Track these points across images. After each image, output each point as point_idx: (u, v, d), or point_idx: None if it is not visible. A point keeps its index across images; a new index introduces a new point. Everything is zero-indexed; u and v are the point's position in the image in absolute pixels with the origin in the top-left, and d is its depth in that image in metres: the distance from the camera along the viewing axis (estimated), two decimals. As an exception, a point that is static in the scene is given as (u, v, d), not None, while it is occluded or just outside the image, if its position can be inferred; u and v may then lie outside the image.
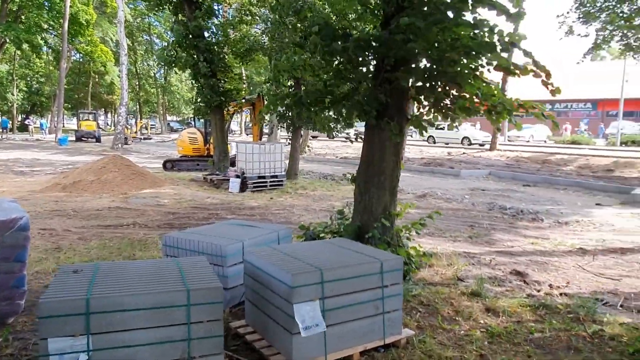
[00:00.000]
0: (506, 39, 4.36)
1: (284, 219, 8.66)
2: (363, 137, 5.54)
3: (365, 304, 3.35)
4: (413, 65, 5.06)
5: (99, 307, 2.41)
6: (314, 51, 5.35)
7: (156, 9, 15.52)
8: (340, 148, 27.23)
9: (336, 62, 5.17)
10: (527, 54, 4.36)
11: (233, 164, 14.56)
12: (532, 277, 5.43)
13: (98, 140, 33.40)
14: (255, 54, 15.97)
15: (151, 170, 14.62)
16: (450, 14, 4.59)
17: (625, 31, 17.69)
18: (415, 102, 5.50)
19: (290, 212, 9.36)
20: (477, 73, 4.98)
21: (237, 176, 12.32)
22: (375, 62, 5.19)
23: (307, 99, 5.52)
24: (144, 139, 39.47)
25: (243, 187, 12.09)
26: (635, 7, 17.13)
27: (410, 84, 5.11)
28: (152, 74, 54.65)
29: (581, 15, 18.46)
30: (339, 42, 5.05)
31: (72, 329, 2.33)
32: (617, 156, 18.52)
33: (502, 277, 5.41)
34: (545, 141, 33.95)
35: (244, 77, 24.76)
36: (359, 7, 5.33)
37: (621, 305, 4.59)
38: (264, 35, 15.66)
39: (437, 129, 27.63)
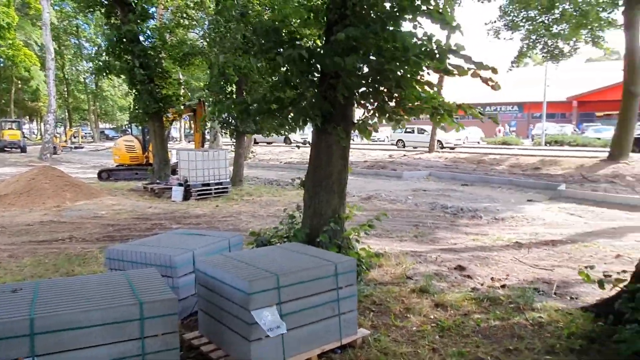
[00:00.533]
0: (444, 47, 4.57)
1: (232, 226, 8.52)
2: (310, 142, 5.58)
3: (321, 306, 3.37)
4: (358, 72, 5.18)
5: (44, 326, 2.26)
6: (259, 57, 5.34)
7: (86, 11, 14.75)
8: (283, 153, 27.19)
9: (283, 69, 5.17)
10: (467, 59, 4.59)
11: (174, 172, 14.13)
12: (475, 272, 5.70)
13: (23, 150, 31.16)
14: (194, 59, 15.62)
15: (85, 181, 13.85)
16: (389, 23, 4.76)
17: (546, 39, 19.10)
18: (360, 107, 5.63)
19: (237, 218, 9.22)
20: (418, 77, 5.19)
21: (180, 184, 11.97)
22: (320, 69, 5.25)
23: (254, 107, 5.48)
24: (75, 148, 37.34)
25: (187, 196, 11.76)
26: (553, 17, 18.55)
27: (354, 90, 5.24)
28: (82, 79, 51.82)
29: (507, 24, 19.72)
30: (284, 48, 5.08)
31: (16, 352, 2.17)
32: (543, 155, 19.89)
33: (448, 273, 5.64)
34: (478, 142, 35.78)
35: (183, 83, 24.11)
36: (304, 14, 5.38)
37: (555, 293, 4.94)
38: (202, 40, 15.37)
39: (406, 132, 28.34)
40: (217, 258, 3.70)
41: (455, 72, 4.89)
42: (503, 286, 5.11)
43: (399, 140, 30.10)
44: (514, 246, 7.02)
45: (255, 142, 33.46)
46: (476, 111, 5.31)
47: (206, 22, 14.73)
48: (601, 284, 3.93)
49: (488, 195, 12.04)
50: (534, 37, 19.45)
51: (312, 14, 5.45)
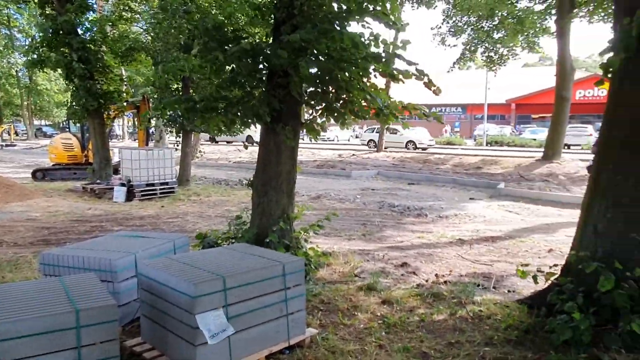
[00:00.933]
0: (391, 50, 4.67)
1: (178, 227, 8.28)
2: (259, 141, 5.53)
3: (269, 307, 3.35)
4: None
5: (-33, 340, 2.09)
6: (204, 55, 5.22)
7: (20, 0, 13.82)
8: (232, 152, 26.79)
9: (229, 67, 5.09)
10: (410, 64, 4.71)
11: (116, 171, 13.55)
12: (420, 268, 5.88)
13: (-53, 148, 28.82)
14: (137, 54, 15.02)
15: (18, 180, 12.99)
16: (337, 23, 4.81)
17: (487, 44, 19.98)
18: (309, 107, 5.65)
19: (184, 220, 8.98)
20: (365, 80, 5.28)
21: (123, 184, 11.50)
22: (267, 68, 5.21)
23: (201, 105, 5.35)
24: (6, 146, 34.97)
25: (130, 196, 11.31)
26: (494, 23, 19.44)
27: (302, 90, 5.25)
28: (14, 73, 48.47)
29: (451, 29, 20.46)
30: (229, 46, 5.00)
31: None
32: (484, 155, 20.83)
33: (394, 270, 5.77)
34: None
35: (125, 79, 23.09)
36: (250, 12, 5.32)
37: (494, 287, 5.18)
38: (146, 34, 14.81)
39: (376, 132, 26.84)
40: (161, 261, 3.58)
41: (401, 76, 5.02)
42: (446, 282, 5.29)
43: (370, 140, 28.46)
44: (456, 243, 7.29)
45: (215, 141, 32.75)
46: (421, 112, 5.47)
47: (152, 17, 14.18)
48: (535, 279, 4.16)
49: (433, 194, 12.44)
50: (475, 41, 20.31)
51: (258, 12, 5.40)
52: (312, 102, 5.51)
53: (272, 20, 5.26)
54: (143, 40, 14.48)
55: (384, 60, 4.75)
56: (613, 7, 4.30)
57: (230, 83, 5.38)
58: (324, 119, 5.66)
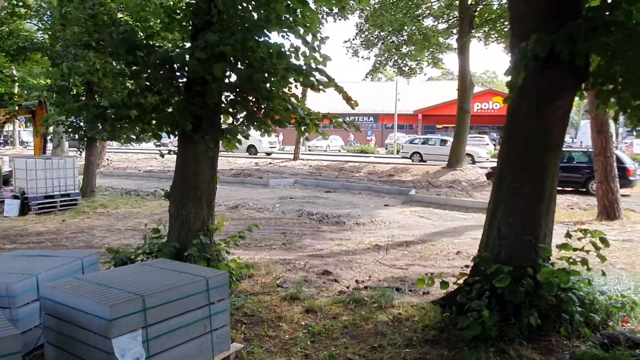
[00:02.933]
0: (313, 64, 4.75)
1: (84, 243, 7.67)
2: (176, 150, 5.32)
3: (193, 324, 3.22)
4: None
5: None
6: (116, 59, 4.93)
7: None
8: (142, 161, 25.44)
9: (144, 74, 4.84)
10: (330, 79, 4.83)
11: (7, 182, 12.23)
12: (341, 275, 6.00)
13: None
14: (32, 54, 13.75)
15: None
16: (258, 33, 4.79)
17: (397, 57, 21.09)
18: (229, 116, 5.56)
19: (90, 234, 8.34)
20: (286, 90, 5.32)
21: (15, 197, 10.41)
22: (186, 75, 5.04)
23: (112, 113, 5.02)
24: None
25: (24, 210, 10.26)
26: (403, 38, 20.58)
27: (222, 98, 5.16)
28: None
29: (363, 42, 21.29)
30: (143, 52, 4.77)
31: None
32: (395, 163, 21.88)
33: (316, 278, 5.83)
34: (339, 150, 37.90)
35: (17, 80, 20.93)
36: (164, 17, 5.11)
37: (410, 290, 5.44)
38: (41, 33, 13.60)
39: (423, 143, 25.38)
40: (69, 282, 3.28)
41: (321, 87, 5.13)
42: (366, 287, 5.46)
43: (414, 152, 25.34)
44: (374, 248, 7.56)
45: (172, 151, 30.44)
46: (340, 121, 5.62)
47: (48, 13, 13.05)
48: (443, 284, 4.44)
49: (350, 202, 12.80)
50: (386, 55, 21.36)
51: (175, 18, 5.21)
52: (232, 111, 5.44)
53: (190, 27, 5.10)
54: (38, 39, 13.28)
55: (304, 72, 4.82)
56: (510, 31, 4.76)
57: (145, 90, 5.12)
58: (243, 128, 5.61)
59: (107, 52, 4.82)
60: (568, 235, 4.12)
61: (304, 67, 4.84)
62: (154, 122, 5.22)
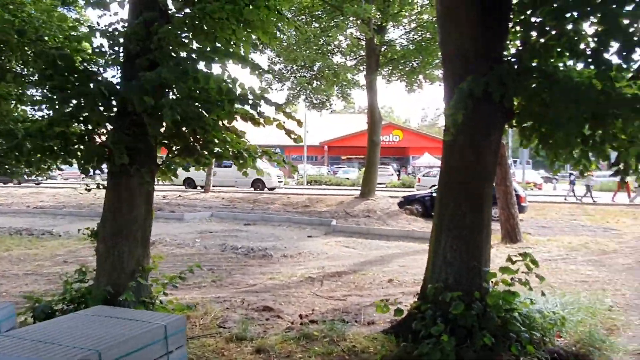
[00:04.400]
0: (258, 94, 4.70)
1: (-25, 293, 6.59)
2: (105, 184, 4.86)
3: (153, 379, 2.89)
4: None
5: None
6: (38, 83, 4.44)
7: None
8: (29, 195, 22.88)
9: (73, 101, 4.40)
10: (278, 107, 4.81)
11: None
12: (283, 310, 5.83)
13: None
14: None
15: None
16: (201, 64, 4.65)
17: (308, 91, 21.69)
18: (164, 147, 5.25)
19: (-20, 283, 7.20)
20: (226, 122, 5.17)
21: None
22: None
23: (28, 143, 4.46)
24: None
25: None
26: (314, 73, 21.29)
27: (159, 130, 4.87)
28: None
29: (276, 75, 21.64)
30: (75, 79, 4.38)
31: None
32: (309, 194, 22.15)
33: (258, 315, 5.60)
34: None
35: None
36: (95, 41, 4.76)
37: (356, 321, 5.44)
38: None
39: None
40: (-2, 341, 2.79)
41: (262, 121, 5.08)
42: (312, 321, 5.35)
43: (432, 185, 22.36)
44: (307, 281, 7.48)
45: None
46: (281, 160, 5.56)
47: None
48: (399, 311, 4.53)
49: (272, 234, 12.61)
50: (298, 88, 21.87)
51: (107, 41, 4.86)
52: (169, 143, 5.14)
53: (125, 53, 4.79)
54: None
55: (250, 103, 4.74)
56: (443, 72, 5.15)
57: (70, 118, 4.64)
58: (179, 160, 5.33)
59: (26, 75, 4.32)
60: (509, 259, 4.44)
61: (250, 98, 4.77)
62: (79, 154, 4.76)
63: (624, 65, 4.15)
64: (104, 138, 4.78)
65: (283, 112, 4.82)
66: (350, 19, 18.00)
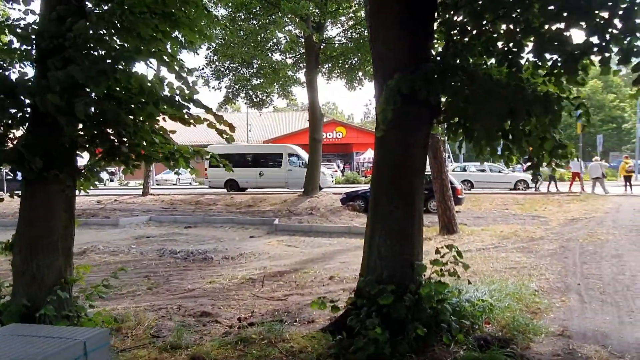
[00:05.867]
0: (187, 95, 4.55)
1: None
2: (21, 192, 4.52)
3: (71, 400, 2.71)
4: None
5: None
6: None
7: None
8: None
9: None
10: (208, 110, 4.68)
11: None
12: (221, 315, 5.70)
13: None
14: None
15: None
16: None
17: (248, 89, 21.40)
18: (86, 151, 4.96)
19: None
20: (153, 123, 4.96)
21: None
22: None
23: None
24: None
25: None
26: (253, 70, 21.05)
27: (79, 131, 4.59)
28: None
29: (213, 72, 21.16)
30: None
31: None
32: (253, 193, 21.90)
33: (195, 322, 5.43)
34: (190, 183, 36.50)
35: None
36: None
37: (295, 321, 5.42)
38: None
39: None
40: None
41: (192, 121, 4.92)
42: (251, 324, 5.27)
43: (463, 180, 23.84)
44: (248, 282, 7.37)
45: None
46: (215, 159, 5.42)
47: None
48: (334, 308, 4.56)
49: (213, 236, 12.34)
50: (237, 86, 21.49)
51: (16, 37, 4.51)
52: (91, 145, 4.85)
53: (37, 50, 4.46)
54: None
55: (177, 104, 4.58)
56: (373, 70, 5.22)
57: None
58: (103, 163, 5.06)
59: None
60: (437, 251, 4.58)
61: (177, 99, 4.60)
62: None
63: (539, 64, 4.42)
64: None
65: (213, 115, 4.69)
66: (289, 16, 17.93)
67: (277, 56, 21.60)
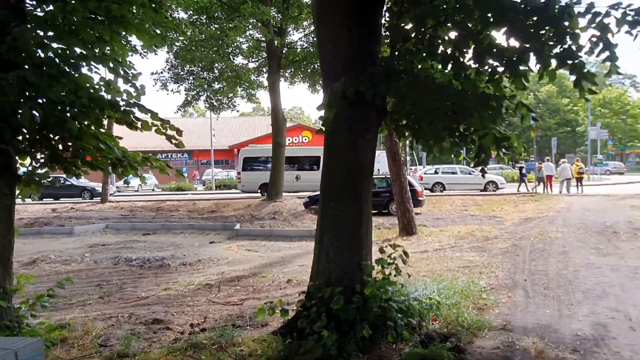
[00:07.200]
0: (132, 100, 4.48)
1: None
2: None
3: (-2, 413, 2.61)
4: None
5: None
6: None
7: None
8: None
9: None
10: (153, 115, 4.62)
11: None
12: (173, 321, 5.62)
13: None
14: None
15: None
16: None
17: (209, 93, 21.16)
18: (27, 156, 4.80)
19: None
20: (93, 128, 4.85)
21: None
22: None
23: None
24: None
25: None
26: (214, 75, 20.82)
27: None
28: None
29: (172, 76, 20.81)
30: None
31: None
32: (216, 198, 21.64)
33: (145, 329, 5.33)
34: (153, 189, 35.73)
35: None
36: None
37: (249, 325, 5.40)
38: None
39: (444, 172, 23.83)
40: None
41: (139, 125, 4.84)
42: (203, 330, 5.22)
43: (436, 183, 26.04)
44: (204, 288, 7.29)
45: None
46: (164, 165, 5.33)
47: None
48: (284, 312, 4.57)
49: (172, 242, 12.12)
50: (197, 89, 21.19)
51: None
52: (32, 151, 4.70)
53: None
54: None
55: (122, 109, 4.51)
56: (321, 72, 5.28)
57: None
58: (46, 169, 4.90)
59: None
60: (381, 250, 4.68)
61: (122, 103, 4.53)
62: None
63: (480, 69, 4.59)
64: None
65: (160, 121, 4.64)
66: (250, 20, 17.88)
67: (239, 60, 21.50)
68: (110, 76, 5.02)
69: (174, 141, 5.03)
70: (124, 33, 5.16)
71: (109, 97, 4.67)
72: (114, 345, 4.77)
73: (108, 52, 4.84)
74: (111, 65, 4.70)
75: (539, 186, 23.67)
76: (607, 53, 4.01)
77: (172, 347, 4.61)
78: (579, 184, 22.87)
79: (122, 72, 4.73)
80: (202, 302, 6.45)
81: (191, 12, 18.11)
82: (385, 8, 5.04)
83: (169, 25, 5.59)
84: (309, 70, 21.28)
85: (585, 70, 4.00)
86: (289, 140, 42.98)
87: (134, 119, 4.74)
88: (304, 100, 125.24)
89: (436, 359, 3.72)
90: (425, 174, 27.38)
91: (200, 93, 21.57)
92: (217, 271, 8.45)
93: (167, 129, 4.69)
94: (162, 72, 20.86)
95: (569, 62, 4.03)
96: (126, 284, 7.75)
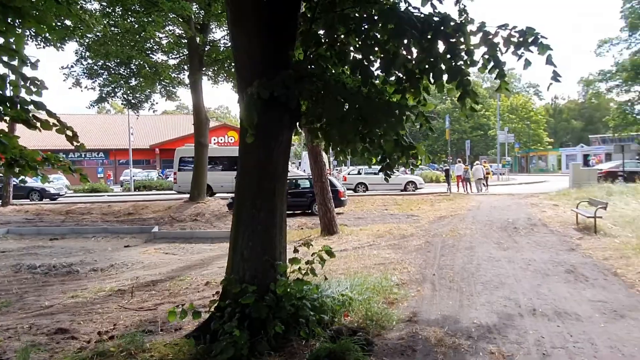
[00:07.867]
0: (27, 96, 4.20)
1: None
2: None
3: None
4: None
5: None
6: None
7: None
8: None
9: None
10: (51, 114, 4.37)
11: None
12: (79, 330, 5.34)
13: None
14: None
15: None
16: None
17: (125, 89, 20.14)
18: None
19: None
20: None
21: None
22: None
23: None
24: None
25: None
26: (131, 69, 19.84)
27: None
28: None
29: (85, 71, 19.57)
30: None
31: None
32: (135, 200, 20.65)
33: (48, 340, 5.02)
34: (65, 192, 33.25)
35: None
36: None
37: (162, 330, 5.26)
38: None
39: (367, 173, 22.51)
40: None
41: (38, 124, 4.55)
42: (112, 337, 5.00)
43: (359, 183, 26.94)
44: (116, 294, 6.98)
45: None
46: (67, 166, 5.04)
47: None
48: (196, 314, 4.52)
49: (83, 247, 11.41)
50: (113, 85, 20.08)
51: None
52: None
53: None
54: None
55: (18, 108, 4.21)
56: (236, 75, 5.28)
57: None
58: None
59: None
60: (296, 250, 4.79)
61: (17, 100, 4.23)
62: None
63: (387, 78, 4.85)
64: None
65: (57, 120, 4.38)
66: (170, 15, 17.26)
67: (159, 56, 20.66)
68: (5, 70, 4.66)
69: (75, 143, 4.78)
70: (21, 25, 4.84)
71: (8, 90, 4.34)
72: (10, 359, 4.44)
73: (1, 43, 4.50)
74: (5, 59, 4.37)
75: (454, 186, 25.40)
76: (497, 70, 4.44)
77: (77, 357, 4.38)
78: (485, 182, 25.04)
79: (17, 65, 4.41)
80: (113, 309, 6.18)
81: (105, 3, 17.10)
82: (299, 13, 5.15)
83: (72, 18, 5.31)
84: (232, 70, 20.98)
85: (470, 88, 4.39)
86: (214, 140, 42.16)
87: (31, 117, 4.44)
88: (230, 100, 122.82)
89: (344, 352, 3.88)
90: (349, 174, 28.54)
91: (116, 89, 20.46)
92: (131, 276, 8.11)
93: (65, 130, 4.44)
94: (72, 67, 19.51)
95: (457, 78, 4.40)
96: (28, 293, 7.20)
